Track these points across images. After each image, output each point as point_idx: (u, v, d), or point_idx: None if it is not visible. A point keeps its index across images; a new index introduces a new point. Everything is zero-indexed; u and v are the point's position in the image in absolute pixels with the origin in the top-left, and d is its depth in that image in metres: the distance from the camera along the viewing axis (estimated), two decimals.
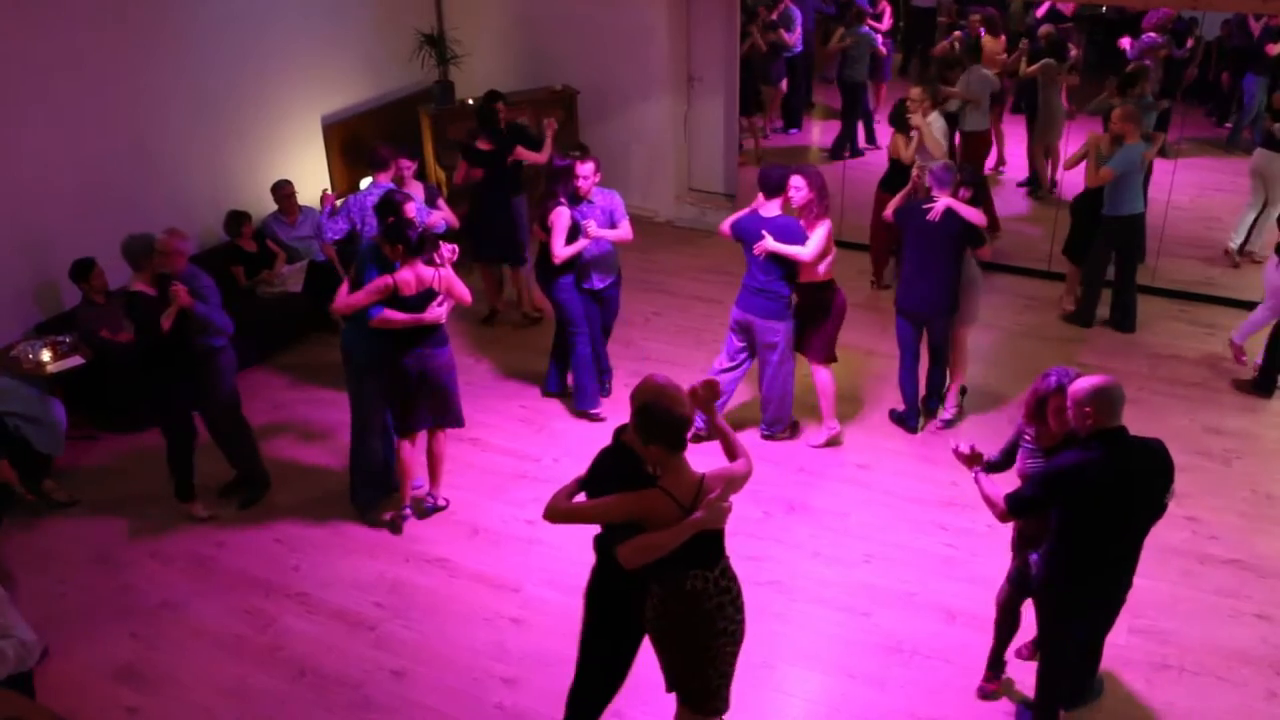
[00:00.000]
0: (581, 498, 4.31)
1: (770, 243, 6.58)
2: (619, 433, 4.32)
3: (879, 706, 5.24)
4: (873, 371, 8.06)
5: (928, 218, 6.77)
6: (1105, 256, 8.53)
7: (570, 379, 7.63)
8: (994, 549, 6.29)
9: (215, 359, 6.32)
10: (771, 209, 6.73)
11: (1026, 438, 4.88)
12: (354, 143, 9.62)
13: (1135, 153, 8.03)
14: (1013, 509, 4.55)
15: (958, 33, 11.25)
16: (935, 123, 8.37)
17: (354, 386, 6.36)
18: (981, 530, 6.43)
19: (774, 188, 6.70)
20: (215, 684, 5.45)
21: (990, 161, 10.83)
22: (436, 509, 6.64)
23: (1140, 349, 8.39)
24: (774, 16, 11.87)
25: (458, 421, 6.42)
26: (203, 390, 6.37)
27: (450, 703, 5.30)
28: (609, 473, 4.22)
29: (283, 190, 8.61)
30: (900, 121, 8.50)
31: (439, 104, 9.96)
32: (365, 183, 7.93)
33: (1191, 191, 10.53)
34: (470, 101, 10.03)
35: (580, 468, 7.01)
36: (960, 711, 5.20)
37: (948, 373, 7.43)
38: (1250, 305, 8.36)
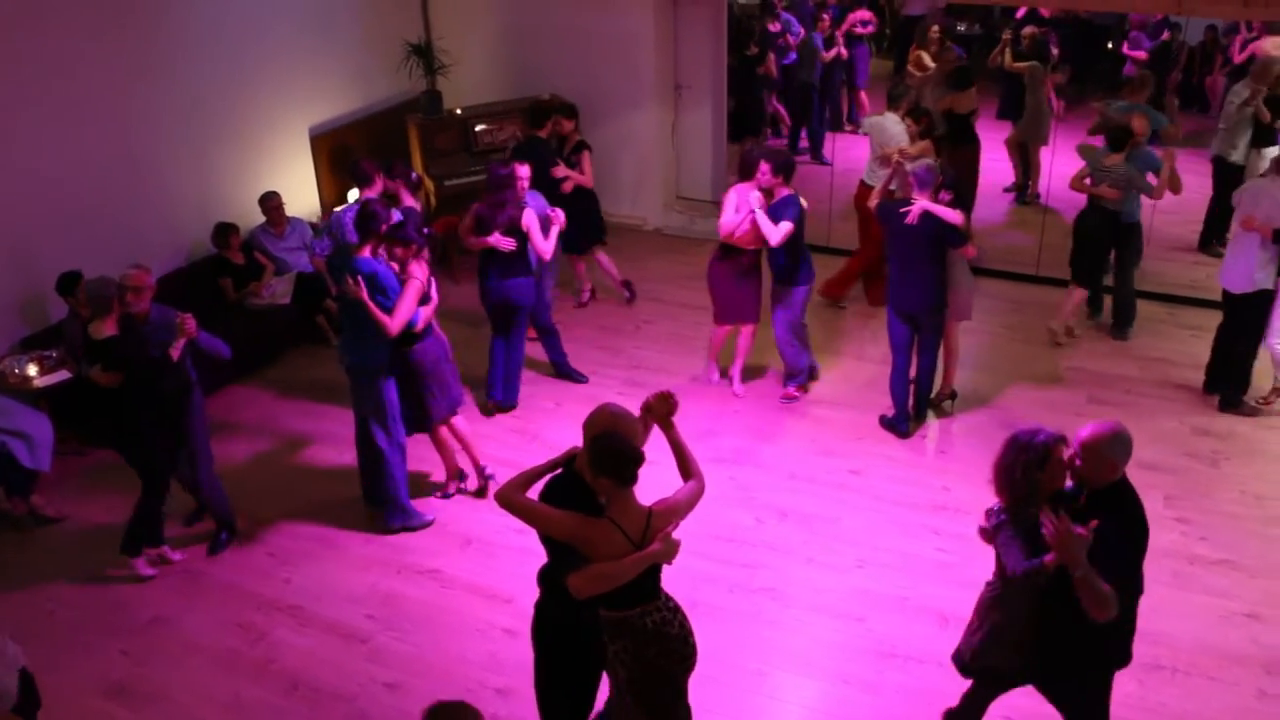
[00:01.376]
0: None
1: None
2: (571, 460, 4.25)
3: (873, 712, 5.24)
4: (862, 377, 8.07)
5: (906, 221, 6.82)
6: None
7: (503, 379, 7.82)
8: (987, 553, 6.28)
9: (191, 396, 6.18)
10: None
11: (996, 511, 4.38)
12: (342, 153, 9.61)
13: (1153, 156, 8.05)
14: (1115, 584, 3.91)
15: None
16: (890, 124, 8.69)
17: (365, 396, 6.36)
18: (973, 535, 6.39)
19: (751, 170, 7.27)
20: (208, 699, 5.43)
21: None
22: (489, 478, 6.91)
23: (1129, 352, 8.42)
24: (775, 28, 12.01)
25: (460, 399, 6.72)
26: (182, 431, 6.18)
27: None
28: (560, 502, 4.13)
29: (270, 202, 8.60)
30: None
31: (427, 114, 9.97)
32: (353, 195, 7.91)
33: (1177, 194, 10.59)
34: (459, 111, 10.04)
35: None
36: None
37: (937, 376, 7.46)
38: (1175, 300, 8.47)
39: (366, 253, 6.13)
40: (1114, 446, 4.08)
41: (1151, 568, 6.00)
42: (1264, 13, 9.24)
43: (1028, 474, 4.10)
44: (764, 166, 7.16)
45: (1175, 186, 8.18)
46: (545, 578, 4.40)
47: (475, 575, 6.22)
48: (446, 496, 6.89)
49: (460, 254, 9.48)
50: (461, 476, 6.95)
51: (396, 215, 6.54)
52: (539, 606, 4.44)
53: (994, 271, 9.50)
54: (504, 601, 6.00)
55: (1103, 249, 8.33)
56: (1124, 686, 5.33)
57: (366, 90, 10.02)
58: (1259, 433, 7.39)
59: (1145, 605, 5.77)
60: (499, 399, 7.77)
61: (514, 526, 6.53)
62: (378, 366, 6.23)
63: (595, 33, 10.25)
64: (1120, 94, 9.73)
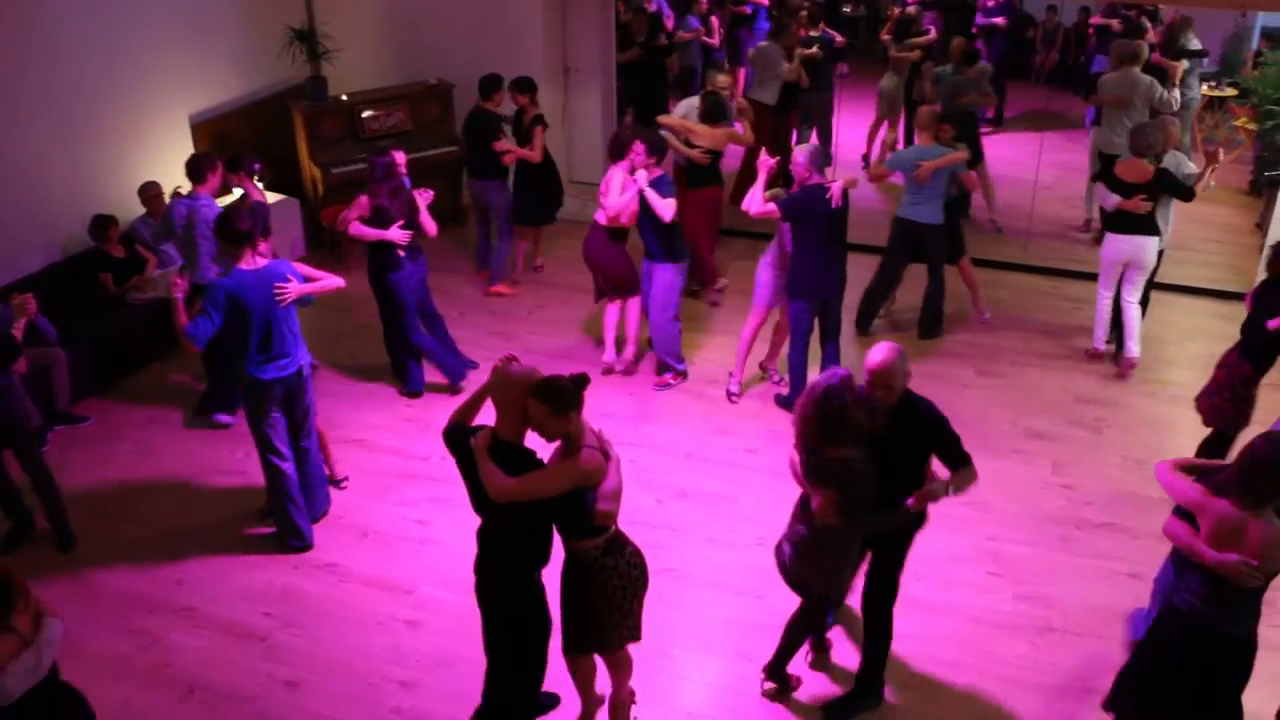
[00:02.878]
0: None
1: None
2: (497, 442, 4.20)
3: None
4: (755, 357, 8.14)
5: (834, 203, 6.81)
6: (898, 260, 8.36)
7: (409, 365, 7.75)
8: None
9: (13, 389, 5.96)
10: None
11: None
12: (224, 141, 9.35)
13: (912, 155, 7.96)
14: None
15: None
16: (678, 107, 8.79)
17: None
18: None
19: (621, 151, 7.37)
20: (99, 708, 5.22)
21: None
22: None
23: (1013, 325, 8.65)
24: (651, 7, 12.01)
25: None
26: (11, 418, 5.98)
27: (347, 710, 5.20)
28: (516, 473, 4.13)
29: (150, 192, 8.34)
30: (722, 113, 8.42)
31: (312, 100, 9.76)
32: (237, 194, 7.69)
33: (1057, 172, 10.92)
34: (344, 98, 9.85)
35: None
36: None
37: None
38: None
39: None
40: (902, 366, 4.50)
41: (1041, 534, 6.28)
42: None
43: (838, 410, 4.35)
44: (638, 147, 7.24)
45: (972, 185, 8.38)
46: (486, 537, 4.42)
47: (374, 567, 6.14)
48: (339, 485, 6.77)
49: (351, 242, 9.31)
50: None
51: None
52: (479, 567, 4.45)
53: (862, 246, 9.54)
54: (405, 593, 5.94)
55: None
56: (1017, 649, 5.52)
57: (248, 76, 9.77)
58: (1139, 400, 7.66)
59: (1036, 570, 6.02)
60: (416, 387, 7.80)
61: (412, 516, 6.49)
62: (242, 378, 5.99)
63: (482, 15, 10.14)
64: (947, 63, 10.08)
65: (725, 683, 5.34)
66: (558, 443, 4.27)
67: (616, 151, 7.42)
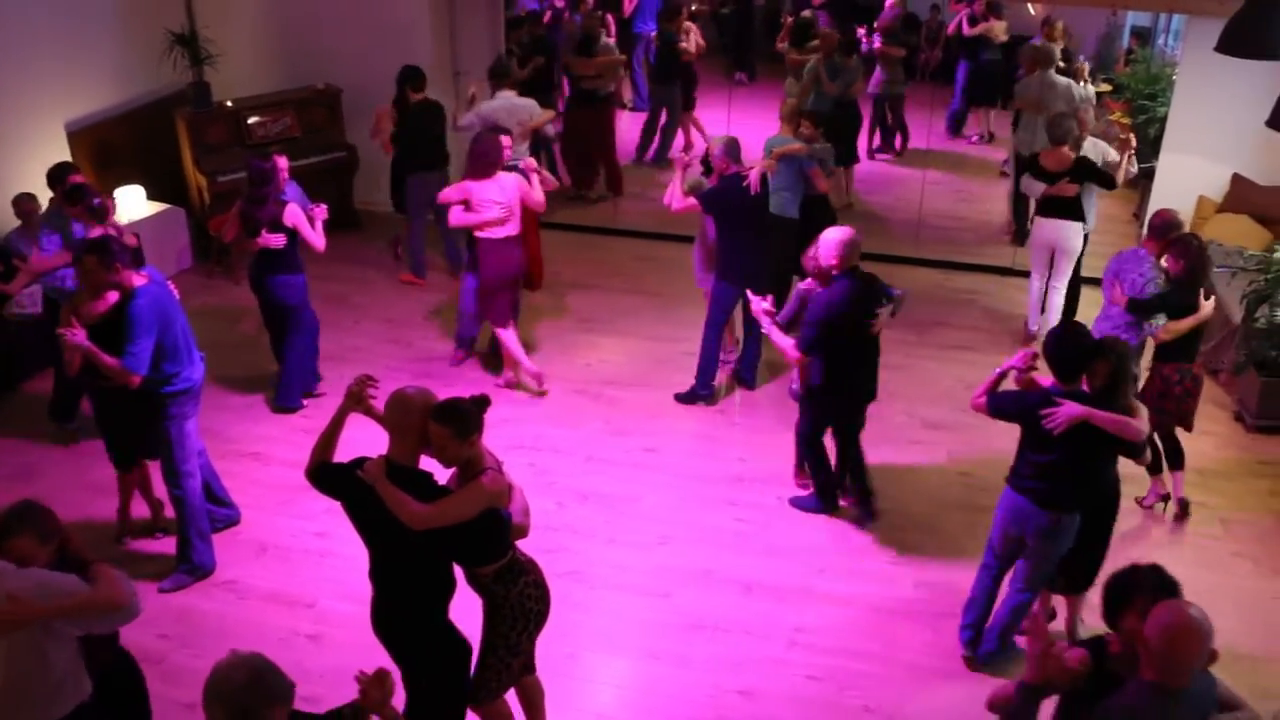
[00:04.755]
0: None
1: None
2: (393, 468, 4.07)
3: (685, 684, 5.35)
4: (648, 357, 8.20)
5: (753, 190, 7.00)
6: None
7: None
8: (784, 519, 6.51)
9: None
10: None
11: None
12: (104, 150, 9.08)
13: (767, 145, 7.95)
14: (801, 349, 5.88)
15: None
16: (497, 100, 8.78)
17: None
18: (771, 503, 6.64)
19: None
20: None
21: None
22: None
23: (907, 317, 8.77)
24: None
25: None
26: None
27: None
28: (422, 498, 4.00)
29: (24, 205, 7.99)
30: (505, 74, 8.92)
31: (195, 106, 9.50)
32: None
33: (946, 165, 11.19)
34: (229, 104, 9.63)
35: None
36: (764, 681, 5.37)
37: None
38: (1005, 271, 8.93)
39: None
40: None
41: (941, 521, 6.41)
42: None
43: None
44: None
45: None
46: (385, 576, 4.26)
47: (273, 583, 6.01)
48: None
49: (241, 253, 9.11)
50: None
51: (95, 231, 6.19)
52: (376, 607, 4.32)
53: None
54: (305, 607, 5.83)
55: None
56: (920, 635, 5.63)
57: (128, 82, 9.46)
58: (916, 363, 7.89)
59: (936, 556, 6.14)
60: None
61: (311, 530, 6.37)
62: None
63: (369, 19, 9.99)
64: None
65: (633, 683, 5.34)
66: (454, 469, 4.16)
67: (491, 167, 7.09)
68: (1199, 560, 6.15)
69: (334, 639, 5.60)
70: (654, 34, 12.24)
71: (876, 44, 11.46)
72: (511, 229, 7.23)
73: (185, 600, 5.87)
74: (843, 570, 6.09)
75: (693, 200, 7.11)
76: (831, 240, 5.89)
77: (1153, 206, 8.70)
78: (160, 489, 6.10)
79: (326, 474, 4.18)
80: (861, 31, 11.40)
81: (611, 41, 10.99)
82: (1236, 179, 8.95)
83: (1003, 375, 5.20)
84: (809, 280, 6.29)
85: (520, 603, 4.27)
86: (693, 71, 11.63)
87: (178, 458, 5.78)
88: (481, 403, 4.12)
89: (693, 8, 13.15)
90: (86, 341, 5.33)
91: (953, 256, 9.77)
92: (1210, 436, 7.36)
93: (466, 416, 4.01)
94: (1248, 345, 7.33)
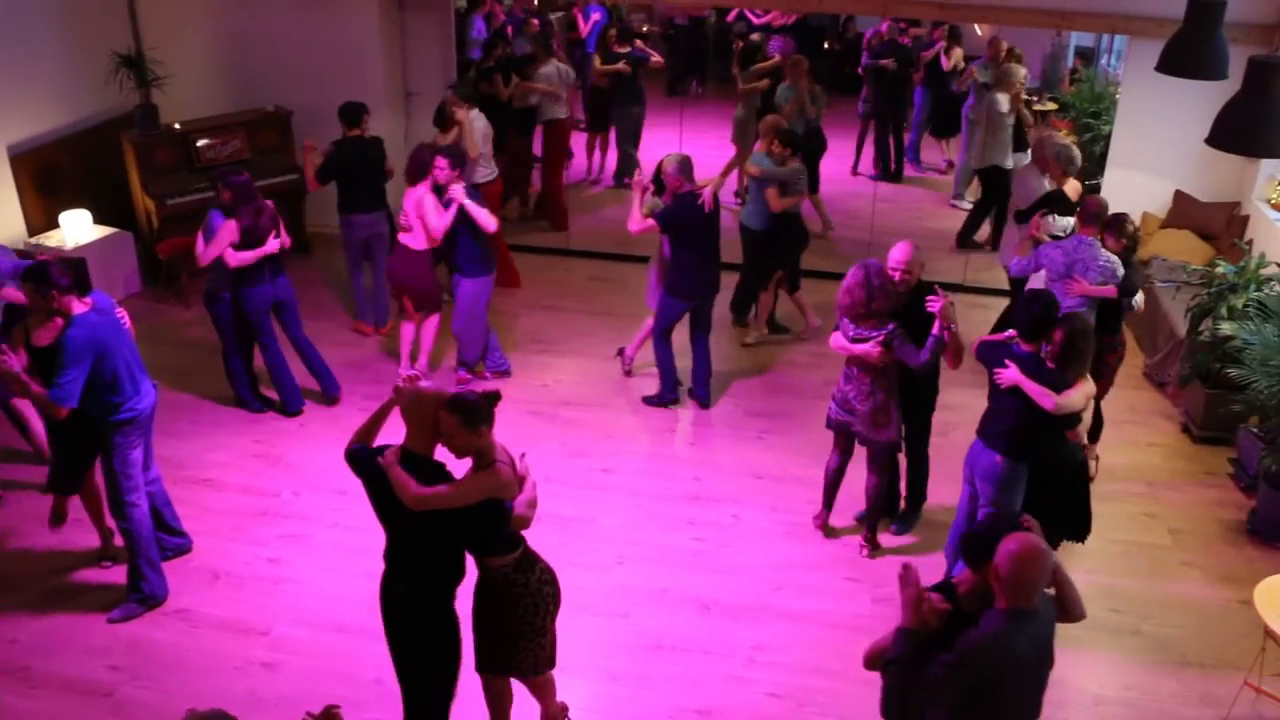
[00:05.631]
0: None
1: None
2: (409, 458, 4.27)
3: (646, 705, 5.34)
4: (603, 376, 8.21)
5: (707, 208, 7.23)
6: (745, 262, 8.80)
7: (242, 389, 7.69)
8: (740, 538, 6.53)
9: None
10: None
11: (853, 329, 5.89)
12: (49, 173, 8.96)
13: (755, 160, 8.29)
14: None
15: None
16: (476, 121, 8.84)
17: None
18: (726, 522, 6.66)
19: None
20: None
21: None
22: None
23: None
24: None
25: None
26: None
27: None
28: (430, 484, 4.23)
29: None
30: (442, 120, 8.79)
31: (143, 129, 9.38)
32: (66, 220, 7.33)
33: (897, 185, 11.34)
34: (178, 126, 9.53)
35: (322, 499, 6.82)
36: (724, 700, 5.37)
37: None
38: (959, 289, 9.02)
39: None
40: (919, 257, 5.94)
41: (895, 537, 6.47)
42: (958, 15, 9.94)
43: (887, 290, 5.78)
44: (441, 162, 7.35)
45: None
46: (396, 556, 4.47)
47: (226, 610, 5.92)
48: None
49: (192, 277, 9.03)
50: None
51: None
52: (387, 586, 4.50)
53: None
54: (260, 634, 5.75)
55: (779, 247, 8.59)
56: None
57: (73, 105, 9.35)
58: (982, 401, 7.92)
59: (892, 572, 6.15)
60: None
61: (264, 556, 6.30)
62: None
63: (318, 41, 9.95)
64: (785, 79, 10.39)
65: (594, 705, 5.33)
66: (469, 460, 4.34)
67: (419, 173, 7.44)
68: (1148, 570, 6.23)
69: (289, 666, 5.53)
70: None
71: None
72: (411, 240, 7.54)
73: (136, 630, 5.77)
74: (800, 587, 6.12)
75: (651, 221, 7.24)
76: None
77: None
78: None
79: (358, 455, 4.41)
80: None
81: (560, 66, 10.75)
82: (1179, 195, 9.14)
83: (1011, 337, 5.60)
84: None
85: (540, 589, 4.55)
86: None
87: (124, 487, 5.68)
88: (492, 397, 4.33)
89: (644, 29, 13.23)
90: (15, 368, 5.24)
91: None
92: (1157, 448, 7.50)
93: (476, 408, 4.22)
94: (1192, 358, 7.46)
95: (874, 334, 5.81)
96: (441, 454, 4.34)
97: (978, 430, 5.68)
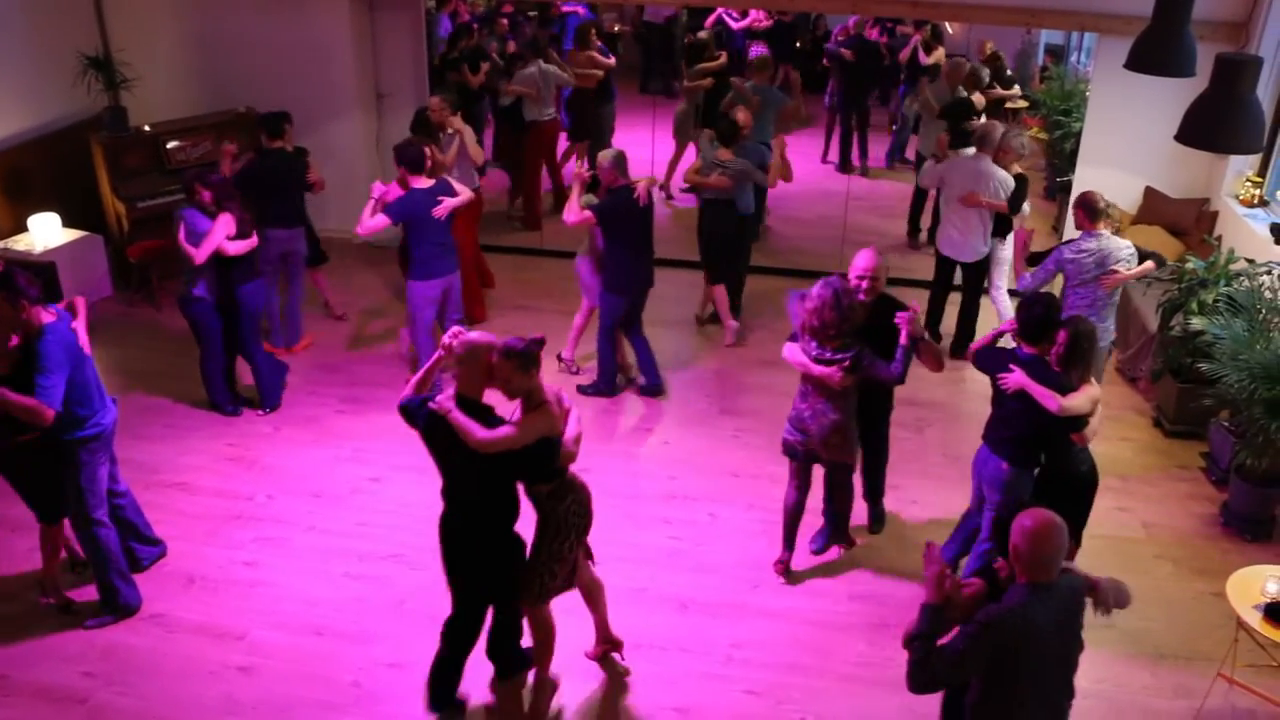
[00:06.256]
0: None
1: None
2: (423, 404, 4.64)
3: (623, 703, 5.33)
4: (571, 379, 8.16)
5: (642, 202, 7.34)
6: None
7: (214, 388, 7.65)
8: (717, 536, 6.54)
9: None
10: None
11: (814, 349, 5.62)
12: (15, 177, 8.87)
13: (760, 150, 8.50)
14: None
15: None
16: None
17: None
18: (703, 520, 6.66)
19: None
20: None
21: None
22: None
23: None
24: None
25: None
26: None
27: None
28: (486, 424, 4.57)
29: None
30: (426, 129, 8.56)
31: (111, 131, 9.31)
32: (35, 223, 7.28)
33: (867, 185, 11.37)
34: (147, 128, 9.46)
35: (298, 501, 6.78)
36: (702, 697, 5.37)
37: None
38: (926, 285, 9.07)
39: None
40: (885, 265, 5.87)
41: (872, 535, 6.48)
42: (930, 13, 9.97)
43: (855, 308, 5.54)
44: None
45: (786, 175, 8.70)
46: (456, 499, 4.81)
47: (202, 615, 5.88)
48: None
49: (163, 280, 8.97)
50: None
51: None
52: (445, 522, 4.83)
53: (673, 261, 9.71)
54: (236, 638, 5.71)
55: (728, 242, 8.63)
56: (855, 647, 5.68)
57: (40, 107, 9.25)
58: (955, 399, 7.99)
59: (869, 568, 6.20)
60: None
61: (239, 559, 6.26)
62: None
63: (288, 42, 9.90)
64: (749, 76, 10.29)
65: (570, 703, 5.31)
66: (518, 401, 4.71)
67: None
68: (1122, 564, 6.28)
69: (266, 670, 5.50)
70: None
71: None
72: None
73: (111, 636, 5.72)
74: (777, 585, 6.13)
75: (588, 214, 7.36)
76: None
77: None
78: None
79: (410, 406, 4.74)
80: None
81: (545, 67, 10.63)
82: (1149, 191, 9.21)
83: (999, 335, 5.78)
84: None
85: (565, 517, 4.88)
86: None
87: (90, 504, 5.57)
88: (539, 342, 4.69)
89: (614, 29, 13.19)
90: None
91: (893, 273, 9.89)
92: (1130, 442, 7.55)
93: (528, 354, 4.62)
94: (1164, 353, 7.52)
95: (838, 356, 5.50)
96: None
97: (983, 436, 5.65)
